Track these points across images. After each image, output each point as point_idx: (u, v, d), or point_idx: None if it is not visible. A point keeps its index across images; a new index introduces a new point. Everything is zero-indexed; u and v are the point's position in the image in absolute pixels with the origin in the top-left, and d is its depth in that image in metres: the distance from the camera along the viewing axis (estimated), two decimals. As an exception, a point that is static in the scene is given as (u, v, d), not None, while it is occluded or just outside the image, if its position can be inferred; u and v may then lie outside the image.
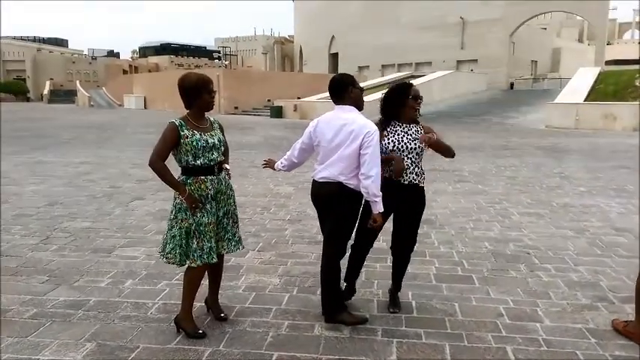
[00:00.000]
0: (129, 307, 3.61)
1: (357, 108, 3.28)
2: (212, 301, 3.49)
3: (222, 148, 3.21)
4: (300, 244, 5.17)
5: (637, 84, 24.03)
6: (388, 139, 3.39)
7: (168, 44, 78.69)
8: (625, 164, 10.84)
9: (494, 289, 3.96)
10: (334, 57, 53.72)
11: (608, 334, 3.24)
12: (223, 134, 3.26)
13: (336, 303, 3.41)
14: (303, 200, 7.15)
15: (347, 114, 3.25)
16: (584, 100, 22.36)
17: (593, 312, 3.59)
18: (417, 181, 3.43)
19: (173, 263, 3.13)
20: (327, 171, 3.30)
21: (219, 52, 64.98)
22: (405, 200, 3.43)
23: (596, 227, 5.85)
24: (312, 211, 6.45)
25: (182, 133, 2.99)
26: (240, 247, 3.42)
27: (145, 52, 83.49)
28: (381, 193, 3.15)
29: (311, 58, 56.32)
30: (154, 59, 76.64)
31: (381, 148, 3.28)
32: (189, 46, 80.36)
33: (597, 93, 23.89)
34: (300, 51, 60.88)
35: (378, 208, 3.18)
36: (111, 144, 15.38)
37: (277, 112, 30.07)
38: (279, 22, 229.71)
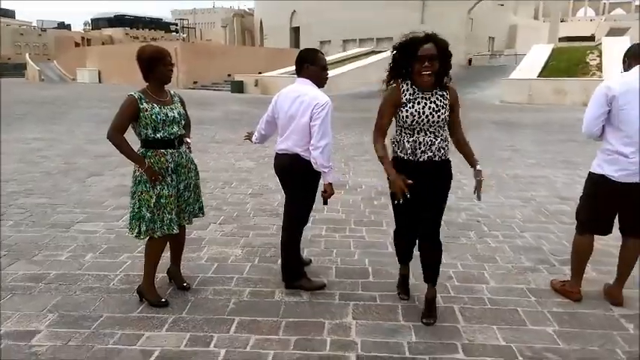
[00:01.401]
0: (90, 279, 3.65)
1: (315, 84, 3.37)
2: (174, 272, 3.57)
3: (183, 122, 3.24)
4: (261, 216, 5.27)
5: (587, 60, 24.97)
6: (406, 110, 2.89)
7: (123, 16, 75.57)
8: (573, 138, 11.36)
9: (445, 255, 4.13)
10: (296, 31, 53.00)
11: (547, 293, 3.52)
12: (184, 108, 3.29)
13: (296, 270, 3.56)
14: (265, 174, 7.24)
15: (302, 87, 3.35)
16: (538, 76, 23.09)
17: (534, 274, 3.87)
18: (439, 156, 2.96)
19: (133, 235, 3.18)
20: (285, 143, 3.41)
21: (176, 24, 63.06)
22: (427, 180, 2.91)
23: (543, 196, 6.21)
24: (273, 185, 6.57)
25: (141, 107, 3.01)
26: (201, 215, 3.49)
27: (98, 24, 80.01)
28: (330, 164, 3.27)
29: (272, 33, 55.37)
30: (107, 31, 73.55)
31: (399, 121, 2.96)
32: (145, 18, 77.43)
33: (550, 69, 24.68)
34: (261, 25, 59.72)
35: (328, 178, 3.30)
36: (65, 119, 14.87)
37: (238, 87, 29.68)
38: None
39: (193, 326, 3.01)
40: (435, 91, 2.90)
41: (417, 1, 44.20)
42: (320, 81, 3.40)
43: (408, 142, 2.93)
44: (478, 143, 10.37)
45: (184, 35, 55.44)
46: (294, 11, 52.20)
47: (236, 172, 7.49)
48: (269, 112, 3.57)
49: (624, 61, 3.20)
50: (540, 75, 23.44)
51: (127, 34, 70.72)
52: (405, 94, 2.89)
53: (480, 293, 3.50)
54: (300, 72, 3.37)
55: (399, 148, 3.00)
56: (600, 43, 27.79)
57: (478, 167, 3.03)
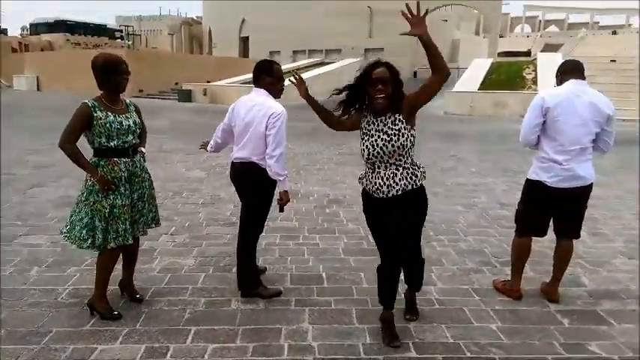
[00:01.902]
0: (37, 293, 3.53)
1: (272, 94, 3.45)
2: (126, 284, 3.52)
3: (138, 131, 3.23)
4: (214, 226, 5.26)
5: (524, 74, 26.36)
6: (362, 142, 2.84)
7: (63, 21, 72.41)
8: (512, 147, 11.95)
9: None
10: (245, 41, 52.84)
11: (490, 293, 3.74)
12: (140, 117, 3.28)
13: (252, 278, 3.60)
14: (216, 184, 7.20)
15: (259, 97, 3.43)
16: (478, 89, 24.14)
17: (478, 275, 4.10)
18: (411, 185, 2.81)
19: (84, 247, 3.11)
20: (241, 152, 3.46)
21: (121, 31, 61.30)
22: (401, 212, 2.81)
23: (484, 203, 6.54)
24: (225, 195, 6.56)
25: (95, 115, 2.98)
26: (154, 225, 3.46)
27: (36, 29, 76.42)
28: (285, 172, 3.36)
29: (221, 41, 54.92)
30: (47, 37, 70.34)
31: (361, 152, 2.88)
32: (88, 23, 74.65)
33: (490, 82, 25.86)
34: (210, 33, 59.14)
35: (284, 186, 3.39)
36: (2, 128, 14.12)
37: (186, 96, 29.16)
38: (186, 2, 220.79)
39: (148, 338, 2.99)
40: (389, 115, 2.78)
41: (365, 14, 45.20)
42: (276, 92, 3.49)
43: (373, 178, 2.83)
44: (423, 153, 10.75)
45: (130, 42, 53.92)
46: (244, 20, 52.08)
47: (186, 181, 7.41)
48: (225, 121, 3.62)
49: (557, 76, 3.49)
50: (481, 88, 24.51)
51: (67, 40, 67.91)
52: (363, 123, 2.87)
53: (429, 294, 3.67)
54: (257, 82, 3.45)
55: (367, 184, 2.90)
56: (536, 58, 29.41)
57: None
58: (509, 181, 7.93)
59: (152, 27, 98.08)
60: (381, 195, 2.80)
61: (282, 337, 3.03)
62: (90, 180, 3.09)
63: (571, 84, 3.30)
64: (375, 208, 2.87)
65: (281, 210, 3.55)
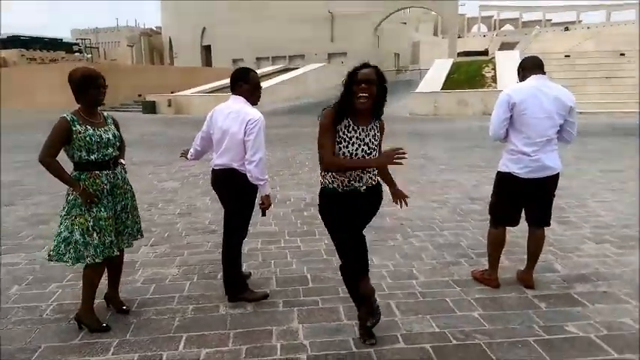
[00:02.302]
0: (20, 311, 3.47)
1: (249, 101, 3.50)
2: (112, 296, 3.50)
3: (118, 144, 3.23)
4: (193, 235, 5.25)
5: (484, 73, 27.12)
6: (339, 148, 2.74)
7: (17, 37, 70.27)
8: (477, 144, 12.34)
9: (377, 257, 4.45)
10: (207, 49, 52.46)
11: (469, 283, 3.89)
12: (118, 130, 3.28)
13: (238, 282, 3.63)
14: (191, 194, 7.18)
15: (236, 104, 3.48)
16: (441, 89, 24.71)
17: (456, 267, 4.24)
18: (371, 183, 2.90)
19: (70, 263, 3.09)
20: (221, 159, 3.51)
21: (77, 44, 59.91)
22: (368, 206, 2.94)
23: (456, 198, 6.74)
24: (201, 204, 6.56)
25: (74, 129, 2.97)
26: (140, 237, 3.47)
27: (-12, 45, 74.06)
28: (266, 177, 3.41)
29: (182, 51, 54.34)
30: (0, 53, 68.23)
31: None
32: (43, 38, 72.61)
33: (451, 82, 26.49)
34: (170, 43, 58.44)
35: (264, 190, 3.45)
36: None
37: (150, 108, 28.75)
38: (144, 13, 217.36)
39: (140, 347, 2.99)
40: (370, 125, 2.78)
41: (326, 19, 45.56)
42: (253, 98, 3.54)
43: (341, 175, 2.79)
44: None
45: (89, 55, 52.76)
46: (205, 29, 51.68)
47: (160, 193, 7.35)
48: (204, 129, 3.65)
49: (519, 72, 3.68)
50: (443, 88, 25.10)
51: (22, 55, 65.92)
52: (341, 127, 2.73)
53: (412, 288, 3.79)
54: (234, 89, 3.50)
55: (330, 181, 2.84)
56: (494, 57, 30.29)
57: (393, 189, 3.20)
58: (478, 176, 8.19)
59: (109, 39, 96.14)
60: (352, 188, 2.81)
61: (274, 337, 3.08)
62: (72, 194, 3.07)
63: (534, 79, 3.48)
64: (344, 201, 2.82)
65: (263, 214, 3.60)
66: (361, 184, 2.83)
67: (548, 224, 3.75)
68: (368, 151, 2.76)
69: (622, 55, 26.50)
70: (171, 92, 30.48)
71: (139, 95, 32.15)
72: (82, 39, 62.00)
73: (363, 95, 2.64)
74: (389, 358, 2.83)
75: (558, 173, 3.57)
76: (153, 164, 10.00)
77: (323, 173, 2.89)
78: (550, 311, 3.39)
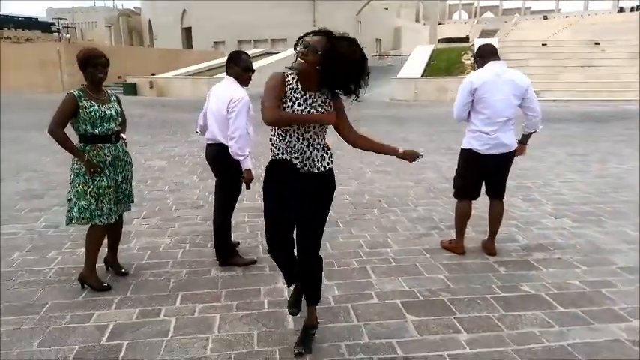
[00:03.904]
0: (24, 274, 3.75)
1: (239, 82, 3.78)
2: (112, 260, 3.80)
3: (120, 119, 3.50)
4: (183, 209, 5.55)
5: (463, 60, 27.60)
6: (285, 107, 2.50)
7: (-11, 15, 68.30)
8: (454, 128, 12.70)
9: (355, 229, 4.82)
10: (187, 32, 51.88)
11: (438, 251, 4.29)
12: (121, 106, 3.55)
13: (228, 249, 3.96)
14: (178, 172, 7.44)
15: (226, 84, 3.77)
16: (422, 75, 25.12)
17: (428, 237, 4.64)
18: (318, 168, 2.60)
19: (76, 223, 3.38)
20: (210, 133, 3.82)
21: (54, 23, 58.58)
22: (306, 191, 2.60)
23: (431, 178, 7.14)
24: (189, 182, 6.84)
25: (81, 104, 3.23)
26: (132, 203, 3.76)
27: (-40, 24, 71.56)
28: (245, 153, 3.65)
29: (162, 33, 53.60)
30: (-28, 31, 66.20)
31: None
32: (17, 17, 70.58)
33: (432, 68, 26.93)
34: (150, 25, 57.56)
35: (245, 165, 3.68)
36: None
37: (132, 90, 28.55)
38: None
39: (140, 302, 3.31)
40: (317, 93, 2.54)
41: (308, 2, 45.39)
42: (242, 80, 3.81)
43: (281, 143, 2.56)
44: (375, 136, 11.36)
45: (68, 36, 51.67)
46: (185, 11, 51.01)
47: (148, 171, 7.59)
48: (204, 106, 3.94)
49: (476, 60, 4.08)
50: (424, 74, 25.51)
51: (-5, 34, 64.13)
52: (288, 86, 2.53)
53: (386, 255, 4.17)
54: (227, 70, 3.79)
55: (275, 149, 2.60)
56: (473, 44, 30.79)
57: (401, 150, 2.74)
58: (453, 158, 8.48)
59: (86, 19, 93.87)
60: (296, 166, 2.56)
61: (262, 295, 3.43)
62: (76, 164, 3.34)
63: (491, 65, 3.86)
64: (282, 176, 2.59)
65: (247, 187, 3.89)
66: (302, 162, 2.55)
67: (503, 196, 4.17)
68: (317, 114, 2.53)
69: (596, 44, 27.22)
70: (152, 74, 30.27)
71: (119, 77, 31.81)
72: (58, 18, 60.65)
73: (299, 60, 2.44)
74: (364, 311, 3.20)
75: (514, 151, 3.97)
76: (138, 144, 10.17)
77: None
78: (508, 274, 3.80)
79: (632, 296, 3.41)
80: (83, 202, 3.34)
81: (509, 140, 3.90)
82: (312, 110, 2.52)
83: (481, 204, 4.44)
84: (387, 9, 54.86)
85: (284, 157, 2.56)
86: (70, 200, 3.38)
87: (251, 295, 3.43)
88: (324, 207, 2.70)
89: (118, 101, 3.56)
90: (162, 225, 4.97)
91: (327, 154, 2.65)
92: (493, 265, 3.98)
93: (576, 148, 9.66)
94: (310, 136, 2.56)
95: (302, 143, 2.55)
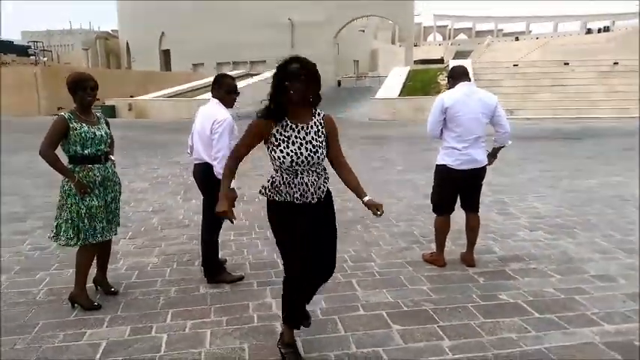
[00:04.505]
0: (14, 296, 3.77)
1: (223, 104, 3.92)
2: (101, 280, 3.84)
3: (109, 141, 3.60)
4: (169, 229, 5.61)
5: (438, 80, 28.29)
6: (279, 150, 2.58)
7: (-38, 38, 67.19)
8: (432, 147, 13.04)
9: (339, 244, 4.88)
10: (166, 54, 52.06)
11: (419, 263, 4.44)
12: (109, 128, 3.65)
13: (216, 266, 4.05)
14: (161, 193, 7.50)
15: (211, 105, 3.92)
16: (399, 96, 25.65)
17: (409, 251, 4.80)
18: (325, 188, 2.79)
19: (69, 245, 3.44)
20: (197, 153, 3.95)
21: (30, 47, 58.02)
22: (318, 218, 2.78)
23: (411, 195, 7.35)
24: (173, 202, 6.90)
25: (71, 125, 3.33)
26: (116, 227, 3.82)
27: None
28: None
29: (140, 55, 53.65)
30: (-56, 55, 65.03)
31: (275, 161, 2.66)
32: (-9, 41, 69.74)
33: (408, 89, 27.53)
34: (128, 47, 57.58)
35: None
36: None
37: (110, 112, 28.34)
38: (99, 16, 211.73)
39: (131, 320, 3.37)
40: (310, 123, 2.64)
41: (287, 25, 46.07)
42: (226, 102, 3.96)
43: (296, 185, 2.65)
44: (353, 156, 11.56)
45: (45, 59, 51.27)
46: (163, 33, 51.24)
47: (131, 192, 7.61)
48: (192, 127, 4.06)
49: (449, 81, 4.33)
50: (401, 94, 26.06)
51: (-32, 58, 63.14)
52: (278, 129, 2.60)
53: (370, 269, 4.31)
54: (212, 92, 3.94)
55: (286, 191, 2.67)
56: (448, 65, 31.62)
57: (366, 198, 2.86)
58: (430, 176, 8.81)
59: (62, 42, 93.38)
60: (306, 200, 2.68)
61: (251, 309, 3.52)
62: (67, 185, 3.42)
63: (462, 86, 4.10)
64: (296, 214, 2.69)
65: (232, 206, 3.98)
66: (297, 195, 2.67)
67: (478, 209, 4.37)
68: (313, 150, 2.62)
69: (566, 64, 28.26)
70: (131, 96, 30.22)
71: (97, 99, 31.59)
72: (34, 41, 60.11)
73: (299, 90, 2.50)
74: (351, 323, 3.32)
75: (485, 166, 4.19)
76: (120, 166, 10.06)
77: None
78: (487, 284, 3.97)
79: (603, 302, 3.61)
80: (77, 223, 3.40)
81: (480, 156, 4.13)
82: (308, 146, 2.61)
83: (460, 218, 4.63)
84: (363, 31, 55.98)
85: (290, 197, 2.67)
86: (59, 221, 3.43)
87: (240, 310, 3.51)
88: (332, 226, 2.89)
89: (107, 123, 3.67)
90: (148, 245, 5.03)
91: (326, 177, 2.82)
92: (472, 275, 4.15)
93: (549, 164, 10.01)
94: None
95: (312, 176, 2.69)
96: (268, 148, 2.65)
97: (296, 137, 2.59)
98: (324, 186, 2.77)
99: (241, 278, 4.07)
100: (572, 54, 42.02)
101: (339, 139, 2.84)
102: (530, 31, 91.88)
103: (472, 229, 4.36)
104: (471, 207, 4.34)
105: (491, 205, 6.47)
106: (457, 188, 4.26)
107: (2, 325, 3.28)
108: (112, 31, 75.01)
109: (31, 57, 44.76)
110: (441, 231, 4.39)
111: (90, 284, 3.81)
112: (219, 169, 3.73)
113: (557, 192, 7.40)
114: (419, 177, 8.80)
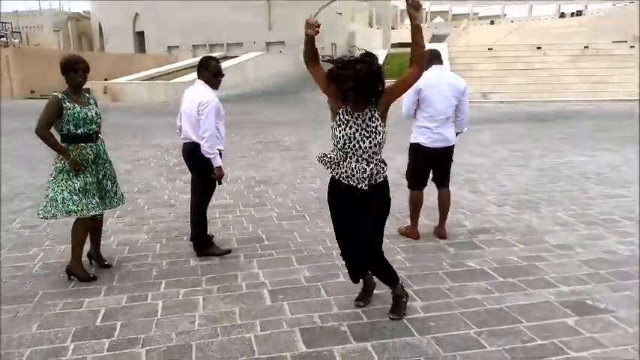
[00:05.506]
0: (11, 269, 3.96)
1: (209, 86, 4.11)
2: (95, 254, 4.05)
3: (99, 121, 3.78)
4: (155, 208, 5.80)
5: (415, 64, 28.59)
6: (339, 130, 2.80)
7: None
8: (405, 129, 13.38)
9: (320, 221, 5.23)
10: (140, 36, 51.04)
11: (395, 236, 4.76)
12: (98, 109, 3.83)
13: (205, 240, 4.29)
14: (145, 174, 7.65)
15: (197, 87, 4.11)
16: (377, 78, 25.82)
17: (387, 225, 5.07)
18: (375, 179, 2.87)
19: (72, 215, 3.59)
20: (185, 133, 4.14)
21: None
22: (365, 205, 2.90)
23: (389, 174, 7.63)
24: (157, 183, 7.07)
25: (64, 105, 3.50)
26: (122, 203, 4.04)
27: None
28: (214, 151, 3.98)
29: (113, 37, 52.46)
30: None
31: (333, 138, 2.86)
32: (-45, 22, 66.94)
33: (386, 72, 27.70)
34: (100, 29, 56.21)
35: (215, 163, 4.02)
36: None
37: (84, 95, 27.90)
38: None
39: (127, 290, 3.60)
40: (366, 111, 2.77)
41: (263, 7, 45.52)
42: (212, 84, 4.15)
43: (343, 166, 2.83)
44: (328, 136, 11.82)
45: (16, 40, 49.77)
46: (137, 14, 50.17)
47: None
48: (180, 108, 4.24)
49: None
50: (379, 77, 26.24)
51: None
52: (342, 107, 2.80)
53: (350, 242, 4.59)
54: (198, 75, 4.12)
55: (334, 168, 2.89)
56: (424, 49, 31.92)
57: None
58: (406, 157, 9.15)
59: (31, 23, 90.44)
60: (352, 184, 2.83)
61: (239, 279, 3.79)
62: (59, 162, 3.59)
63: (434, 69, 4.38)
64: (341, 194, 2.91)
65: (219, 183, 4.22)
66: (343, 175, 2.85)
67: (448, 185, 4.71)
68: (366, 135, 2.75)
69: (538, 48, 28.85)
70: (105, 79, 29.71)
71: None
72: (2, 22, 58.24)
73: (352, 97, 2.71)
74: (333, 288, 3.61)
75: (454, 145, 4.52)
76: (100, 149, 10.22)
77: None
78: (456, 253, 4.31)
79: (561, 267, 3.98)
80: (67, 195, 3.56)
81: (450, 135, 4.45)
82: (362, 131, 2.76)
83: (432, 196, 4.94)
84: (340, 14, 55.76)
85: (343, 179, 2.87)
86: (49, 196, 3.57)
87: (229, 279, 3.77)
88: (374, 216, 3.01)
89: (96, 104, 3.84)
90: (137, 223, 5.22)
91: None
92: (444, 246, 4.49)
93: (519, 145, 10.43)
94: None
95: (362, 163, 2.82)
96: (332, 126, 2.86)
97: (353, 123, 2.76)
98: (376, 176, 2.86)
99: (229, 252, 4.31)
100: (545, 37, 42.78)
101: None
102: (506, 15, 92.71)
103: (443, 203, 4.69)
104: (442, 182, 4.67)
105: (463, 184, 6.82)
106: (430, 165, 4.57)
107: (4, 295, 3.48)
108: (83, 12, 72.96)
109: (2, 39, 43.37)
110: (416, 205, 4.71)
111: (85, 259, 4.02)
112: (206, 148, 3.95)
113: (526, 170, 7.80)
114: (395, 157, 9.08)
